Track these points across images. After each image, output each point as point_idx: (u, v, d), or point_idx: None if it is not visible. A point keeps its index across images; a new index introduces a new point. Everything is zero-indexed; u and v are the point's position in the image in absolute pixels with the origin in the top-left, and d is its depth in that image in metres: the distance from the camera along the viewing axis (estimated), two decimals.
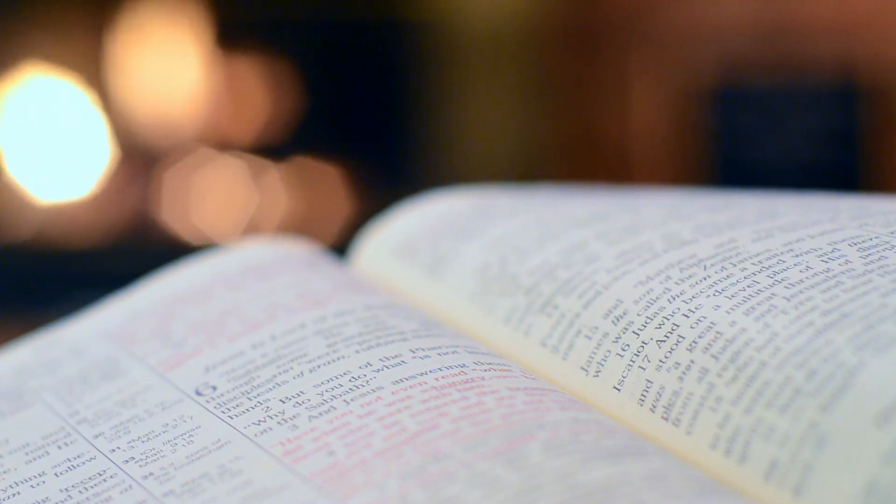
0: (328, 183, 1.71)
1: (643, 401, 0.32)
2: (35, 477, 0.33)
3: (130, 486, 0.31)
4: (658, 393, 0.32)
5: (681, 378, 0.32)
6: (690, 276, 0.35)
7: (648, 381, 0.32)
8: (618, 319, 0.34)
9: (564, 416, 0.31)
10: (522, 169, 1.69)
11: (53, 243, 1.66)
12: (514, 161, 1.70)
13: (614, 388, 0.33)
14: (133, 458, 0.32)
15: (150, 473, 0.32)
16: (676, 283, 0.35)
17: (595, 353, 0.34)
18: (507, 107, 1.71)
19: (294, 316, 0.37)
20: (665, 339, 0.33)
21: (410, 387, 0.32)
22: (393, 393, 0.32)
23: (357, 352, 0.34)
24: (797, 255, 0.34)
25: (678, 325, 0.33)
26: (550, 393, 0.32)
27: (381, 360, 0.34)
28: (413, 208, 0.45)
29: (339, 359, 0.34)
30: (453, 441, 0.30)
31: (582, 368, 0.34)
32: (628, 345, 0.34)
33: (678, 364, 0.32)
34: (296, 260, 0.42)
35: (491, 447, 0.29)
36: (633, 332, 0.34)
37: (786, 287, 0.33)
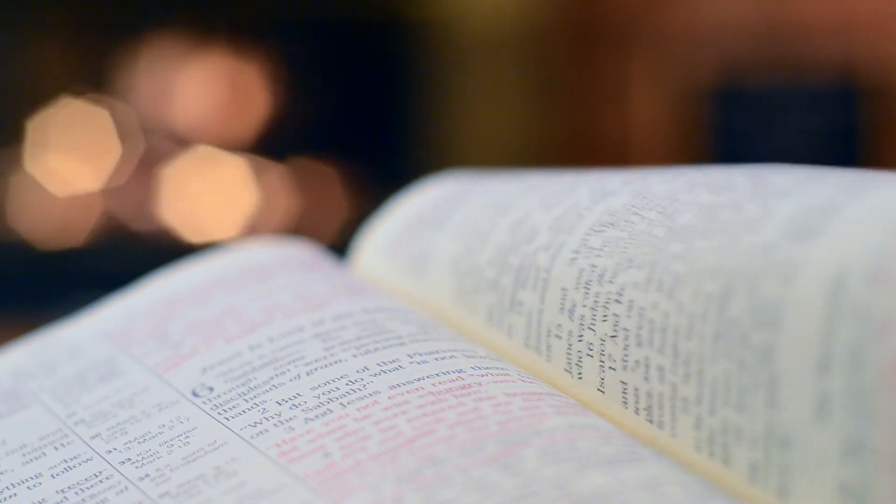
0: (328, 183, 1.71)
1: (626, 403, 0.32)
2: (32, 478, 0.33)
3: (126, 488, 0.31)
4: (635, 395, 0.31)
5: (646, 378, 0.31)
6: (606, 244, 0.33)
7: (623, 383, 0.32)
8: (571, 314, 0.33)
9: (561, 421, 0.31)
10: (522, 168, 1.69)
11: (53, 243, 1.66)
12: (514, 161, 1.70)
13: (598, 390, 0.32)
14: (129, 459, 0.32)
15: (147, 475, 0.32)
16: (598, 255, 0.33)
17: (570, 355, 0.33)
18: (507, 107, 1.71)
19: (292, 318, 0.37)
20: (615, 334, 0.32)
21: (407, 392, 0.32)
22: (390, 398, 0.32)
23: (354, 356, 0.34)
24: (691, 190, 0.32)
25: (618, 316, 0.32)
26: (548, 397, 0.32)
27: (378, 364, 0.34)
28: (396, 205, 0.44)
29: (336, 362, 0.34)
30: (449, 446, 0.30)
31: (565, 370, 0.34)
32: (592, 344, 0.33)
33: (637, 362, 0.31)
34: (295, 262, 0.42)
35: (487, 453, 0.29)
36: (589, 327, 0.33)
37: (680, 240, 0.31)
